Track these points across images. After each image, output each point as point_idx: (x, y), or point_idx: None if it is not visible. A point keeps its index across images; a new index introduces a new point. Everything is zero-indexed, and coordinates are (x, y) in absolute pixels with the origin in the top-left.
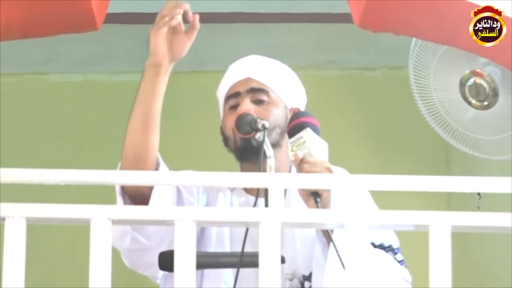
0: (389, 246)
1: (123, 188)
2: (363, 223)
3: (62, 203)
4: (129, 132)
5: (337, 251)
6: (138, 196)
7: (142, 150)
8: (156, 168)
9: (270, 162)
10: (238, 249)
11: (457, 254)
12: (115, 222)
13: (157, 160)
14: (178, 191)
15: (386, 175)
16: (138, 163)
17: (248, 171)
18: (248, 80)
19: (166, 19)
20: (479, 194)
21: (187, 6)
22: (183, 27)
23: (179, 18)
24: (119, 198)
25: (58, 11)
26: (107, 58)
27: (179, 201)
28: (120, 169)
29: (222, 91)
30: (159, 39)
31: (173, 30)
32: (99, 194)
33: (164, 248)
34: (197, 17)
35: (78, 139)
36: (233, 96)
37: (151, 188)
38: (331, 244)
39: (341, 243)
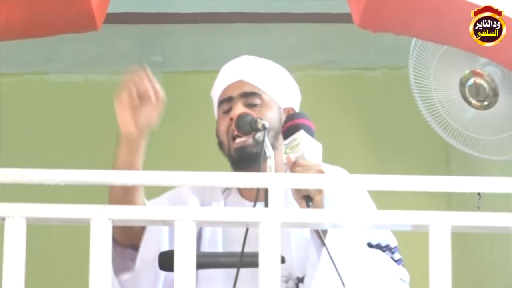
0: (387, 246)
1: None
2: (363, 223)
3: (62, 203)
4: (111, 199)
5: (329, 253)
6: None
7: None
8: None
9: (270, 162)
10: (231, 250)
11: (457, 254)
12: (115, 222)
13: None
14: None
15: (386, 175)
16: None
17: None
18: (240, 83)
19: (126, 92)
20: (479, 194)
21: (147, 82)
22: (152, 96)
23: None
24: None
25: (58, 11)
26: (107, 58)
27: (172, 237)
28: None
29: (215, 94)
30: (122, 111)
31: (140, 99)
32: (99, 194)
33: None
34: (159, 91)
35: (78, 139)
36: (226, 100)
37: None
38: (324, 246)
39: (338, 243)
